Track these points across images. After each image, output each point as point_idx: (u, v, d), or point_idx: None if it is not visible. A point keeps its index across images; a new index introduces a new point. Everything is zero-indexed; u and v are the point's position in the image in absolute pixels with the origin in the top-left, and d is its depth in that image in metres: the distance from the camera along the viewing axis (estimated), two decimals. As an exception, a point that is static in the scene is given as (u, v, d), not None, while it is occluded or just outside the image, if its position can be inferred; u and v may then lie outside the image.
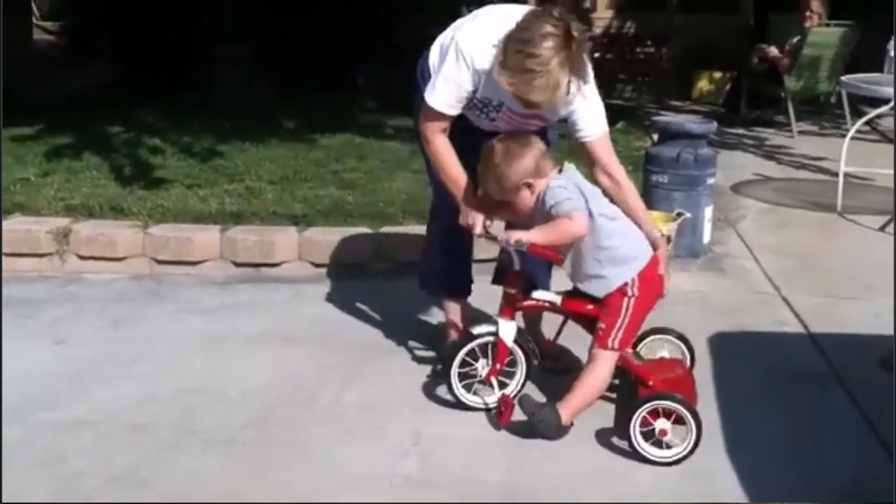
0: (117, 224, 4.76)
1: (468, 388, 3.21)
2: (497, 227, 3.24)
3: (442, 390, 3.31)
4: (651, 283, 3.04)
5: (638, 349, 3.28)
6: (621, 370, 3.12)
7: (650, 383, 3.04)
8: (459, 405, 3.21)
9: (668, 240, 4.66)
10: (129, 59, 10.13)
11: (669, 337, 3.38)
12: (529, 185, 2.98)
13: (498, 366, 3.15)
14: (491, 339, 3.15)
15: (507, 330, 3.13)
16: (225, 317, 4.10)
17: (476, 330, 3.21)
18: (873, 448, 3.06)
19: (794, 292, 4.39)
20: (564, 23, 2.79)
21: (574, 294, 3.14)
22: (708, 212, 4.92)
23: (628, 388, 3.12)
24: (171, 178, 5.48)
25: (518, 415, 3.07)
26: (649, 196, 4.91)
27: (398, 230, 4.77)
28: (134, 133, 6.65)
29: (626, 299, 3.00)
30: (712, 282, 4.59)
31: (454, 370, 3.18)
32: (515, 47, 2.81)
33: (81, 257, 4.63)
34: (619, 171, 3.14)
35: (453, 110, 3.11)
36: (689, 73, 10.14)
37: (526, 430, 3.03)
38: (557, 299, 3.15)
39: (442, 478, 2.85)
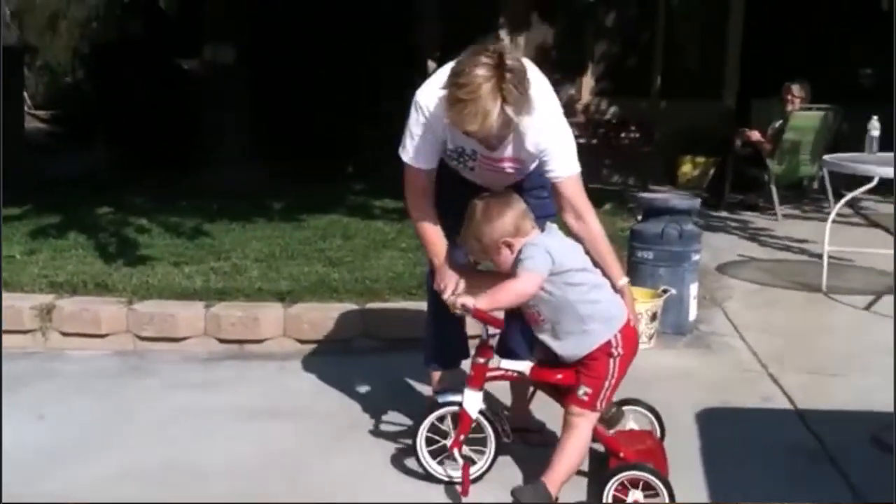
0: (101, 300, 4.73)
1: (439, 459, 3.18)
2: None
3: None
4: (631, 341, 3.02)
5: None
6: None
7: (621, 455, 3.01)
8: (428, 476, 3.17)
9: (654, 317, 4.70)
10: (121, 143, 10.26)
11: (638, 408, 3.35)
12: (508, 245, 2.97)
13: (462, 436, 3.09)
14: (455, 409, 3.11)
15: (472, 400, 3.07)
16: (208, 392, 4.05)
17: (441, 399, 3.18)
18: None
19: (781, 370, 4.36)
20: (498, 52, 2.81)
21: (546, 363, 3.10)
22: (693, 288, 4.92)
23: (599, 461, 3.08)
24: (156, 256, 5.46)
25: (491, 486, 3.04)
26: (634, 272, 4.93)
27: (384, 306, 4.76)
28: (121, 214, 6.66)
29: (612, 360, 2.96)
30: (699, 359, 4.57)
31: (420, 439, 3.15)
32: (449, 81, 2.86)
33: (65, 334, 4.60)
34: (588, 213, 3.09)
35: (425, 164, 3.15)
36: (674, 157, 10.28)
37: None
38: (526, 368, 3.11)
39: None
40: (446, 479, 3.17)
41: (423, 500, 3.09)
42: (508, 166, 3.17)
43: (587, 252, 3.08)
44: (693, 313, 4.96)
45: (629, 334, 3.00)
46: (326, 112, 9.40)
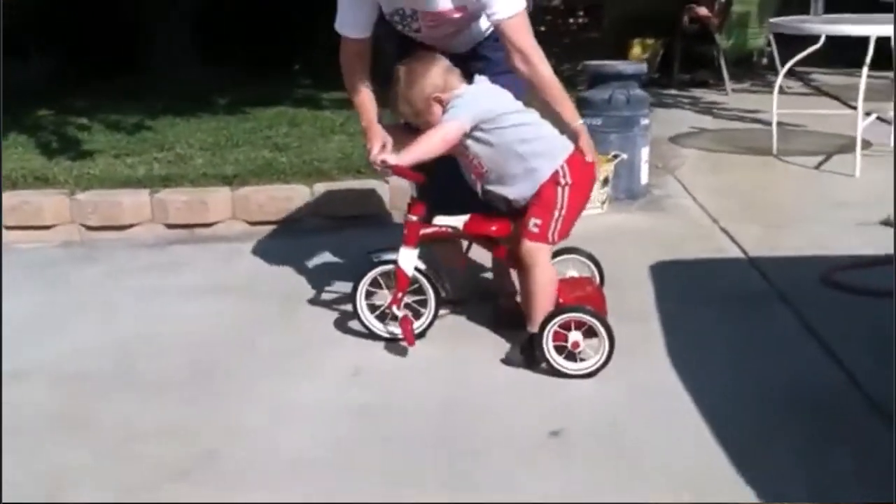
0: (42, 193, 4.61)
1: (382, 318, 3.17)
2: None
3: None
4: (583, 171, 2.99)
5: None
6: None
7: (560, 300, 3.01)
8: (371, 334, 3.19)
9: (606, 181, 4.69)
10: (58, 52, 9.92)
11: (577, 256, 3.36)
12: (439, 100, 2.92)
13: (399, 294, 3.08)
14: (390, 267, 3.10)
15: (407, 258, 3.05)
16: (159, 274, 3.99)
17: (377, 258, 3.16)
18: (816, 352, 3.05)
19: (732, 224, 4.38)
20: None
21: (480, 216, 3.08)
22: (644, 153, 4.90)
23: None
24: (98, 150, 5.32)
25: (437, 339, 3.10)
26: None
27: (333, 185, 4.69)
28: (61, 115, 6.46)
29: (560, 188, 2.94)
30: (651, 219, 4.58)
31: (360, 299, 3.15)
32: None
33: (9, 227, 4.47)
34: (535, 55, 2.94)
35: (353, 32, 3.11)
36: (623, 41, 10.15)
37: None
38: (459, 223, 3.09)
39: (383, 403, 2.79)
40: (389, 335, 3.16)
41: (365, 358, 3.09)
42: (451, 16, 3.05)
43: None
44: (645, 177, 4.95)
45: (577, 163, 2.97)
46: (271, 7, 9.14)
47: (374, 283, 3.17)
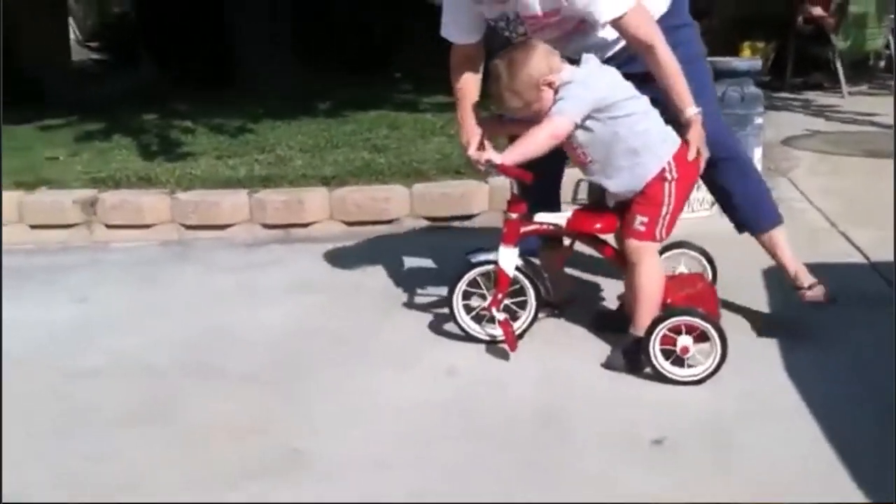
0: (144, 192, 4.64)
1: (479, 320, 3.04)
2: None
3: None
4: (688, 166, 2.82)
5: None
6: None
7: (668, 301, 2.84)
8: (469, 338, 3.05)
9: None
10: (165, 62, 10.14)
11: (689, 251, 3.20)
12: (549, 83, 2.76)
13: (499, 295, 2.94)
14: (490, 267, 2.96)
15: (507, 258, 2.91)
16: (252, 273, 3.95)
17: (475, 258, 3.01)
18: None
19: (851, 227, 4.14)
20: None
21: (584, 212, 2.95)
22: (758, 153, 4.67)
23: None
24: (200, 152, 5.35)
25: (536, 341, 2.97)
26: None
27: (431, 186, 4.60)
28: (165, 119, 6.55)
29: (667, 184, 2.78)
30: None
31: (457, 300, 3.02)
32: None
33: (109, 226, 4.52)
34: (655, 40, 2.77)
35: (459, 37, 3.07)
36: (733, 44, 9.85)
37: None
38: (562, 220, 2.94)
39: (476, 404, 2.67)
40: (487, 338, 3.04)
41: (461, 359, 2.96)
42: (549, 21, 2.90)
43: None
44: (757, 179, 4.71)
45: (683, 156, 2.80)
46: (368, 13, 9.16)
47: (473, 283, 3.05)
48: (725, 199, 3.19)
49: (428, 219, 4.51)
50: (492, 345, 3.03)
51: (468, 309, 3.05)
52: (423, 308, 3.42)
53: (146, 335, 3.23)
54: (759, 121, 4.68)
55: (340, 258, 4.07)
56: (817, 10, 8.29)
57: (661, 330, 2.71)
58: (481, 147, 2.91)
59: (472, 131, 2.99)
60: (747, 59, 4.99)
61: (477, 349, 3.03)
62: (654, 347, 2.72)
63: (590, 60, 2.83)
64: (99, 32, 16.98)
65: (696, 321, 2.71)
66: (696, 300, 2.86)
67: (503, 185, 4.45)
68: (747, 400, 2.63)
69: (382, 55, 9.38)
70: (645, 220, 2.78)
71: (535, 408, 2.63)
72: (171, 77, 9.83)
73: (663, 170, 2.77)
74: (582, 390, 2.74)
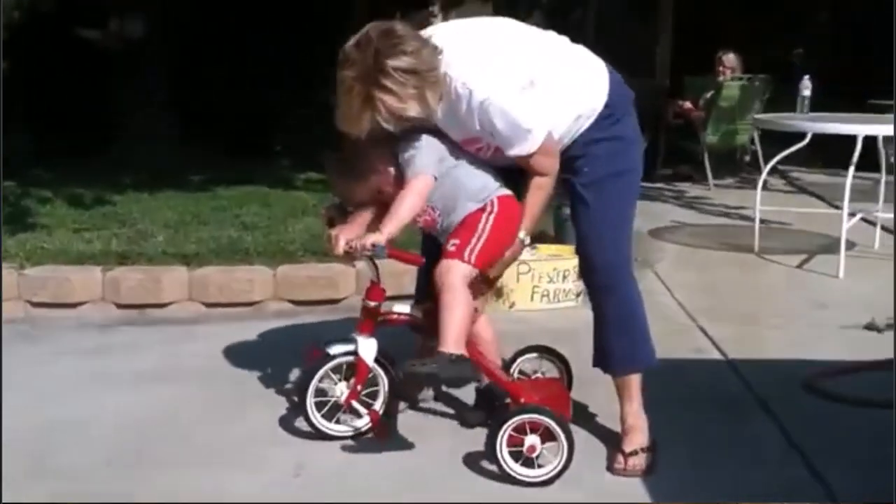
0: (-11, 266, 4.39)
1: (331, 416, 2.92)
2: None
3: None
4: (511, 205, 2.82)
5: (513, 369, 3.10)
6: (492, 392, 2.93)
7: (521, 400, 2.80)
8: (321, 435, 2.92)
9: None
10: (40, 127, 9.82)
11: (546, 356, 3.18)
12: (382, 161, 2.79)
13: (358, 387, 2.86)
14: (349, 359, 2.87)
15: (367, 348, 2.85)
16: (102, 357, 3.76)
17: (332, 350, 2.90)
18: (798, 467, 2.83)
19: (711, 323, 4.20)
20: (377, 38, 2.59)
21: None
22: (622, 247, 4.72)
23: (500, 409, 2.87)
24: (55, 224, 5.13)
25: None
26: (561, 232, 4.76)
27: (297, 268, 4.49)
28: (24, 187, 6.28)
29: (484, 215, 2.78)
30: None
31: (309, 399, 2.89)
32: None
33: (-51, 302, 4.25)
34: (549, 173, 2.80)
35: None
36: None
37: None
38: (419, 311, 2.90)
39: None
40: (343, 434, 2.93)
41: (311, 454, 2.85)
42: (473, 148, 2.83)
43: None
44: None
45: (506, 198, 2.82)
46: (249, 88, 9.06)
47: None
48: (596, 324, 3.01)
49: (293, 302, 4.40)
50: (341, 440, 2.92)
51: (320, 405, 2.92)
52: (279, 398, 3.29)
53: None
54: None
55: (196, 343, 3.91)
56: (687, 105, 8.58)
57: (508, 428, 2.65)
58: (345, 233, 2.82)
59: (337, 228, 2.88)
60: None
61: (327, 445, 2.91)
62: (502, 448, 2.65)
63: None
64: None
65: (541, 418, 2.66)
66: (549, 402, 2.81)
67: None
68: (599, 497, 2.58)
69: (264, 129, 9.29)
70: (457, 242, 2.76)
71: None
72: (42, 140, 9.53)
73: (485, 204, 2.79)
74: (434, 488, 2.65)
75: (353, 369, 2.87)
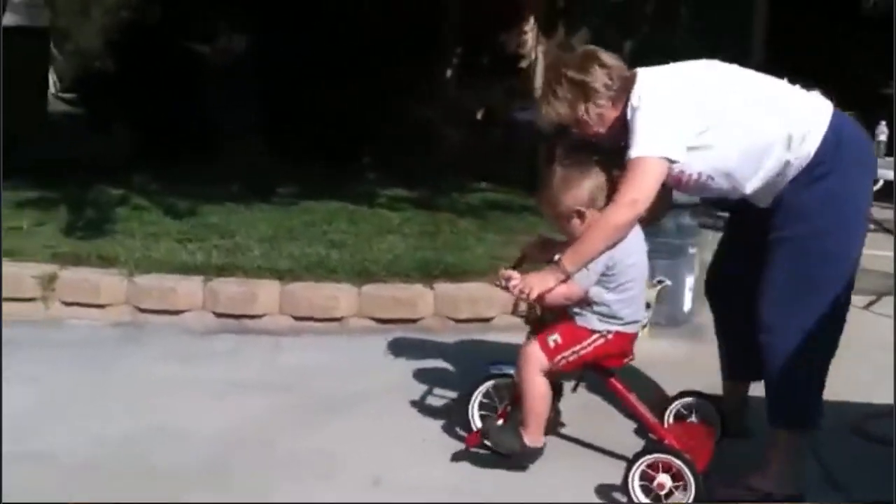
0: (103, 272, 4.80)
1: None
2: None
3: (406, 436, 3.35)
4: (624, 346, 3.07)
5: (670, 408, 3.37)
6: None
7: (665, 441, 3.01)
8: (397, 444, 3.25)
9: (648, 306, 4.71)
10: (136, 127, 10.35)
11: (702, 400, 3.39)
12: (580, 214, 2.99)
13: (509, 408, 3.13)
14: (508, 380, 3.17)
15: None
16: (202, 363, 4.12)
17: (494, 369, 3.23)
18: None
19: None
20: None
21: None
22: (689, 281, 4.93)
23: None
24: (161, 233, 5.53)
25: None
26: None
27: (380, 288, 4.80)
28: (130, 192, 6.74)
29: (597, 336, 3.00)
30: (690, 348, 4.58)
31: (472, 406, 3.25)
32: None
33: (66, 303, 4.67)
34: (618, 198, 2.91)
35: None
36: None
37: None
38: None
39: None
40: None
41: (409, 471, 3.13)
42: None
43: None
44: (688, 304, 4.97)
45: (622, 342, 3.05)
46: (341, 102, 9.44)
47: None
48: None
49: (374, 319, 4.70)
50: (426, 457, 3.21)
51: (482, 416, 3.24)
52: (361, 412, 3.60)
53: (89, 427, 3.37)
54: (692, 250, 4.96)
55: (286, 354, 4.26)
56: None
57: (643, 464, 2.88)
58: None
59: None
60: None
61: (404, 458, 3.20)
62: (634, 480, 2.88)
63: None
64: (76, 85, 17.22)
65: (673, 460, 2.86)
66: (688, 447, 2.99)
67: (446, 293, 4.72)
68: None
69: (354, 139, 9.65)
70: (560, 340, 3.00)
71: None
72: (141, 144, 10.05)
73: (605, 332, 3.01)
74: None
75: (510, 390, 3.17)
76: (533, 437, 3.02)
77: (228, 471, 3.09)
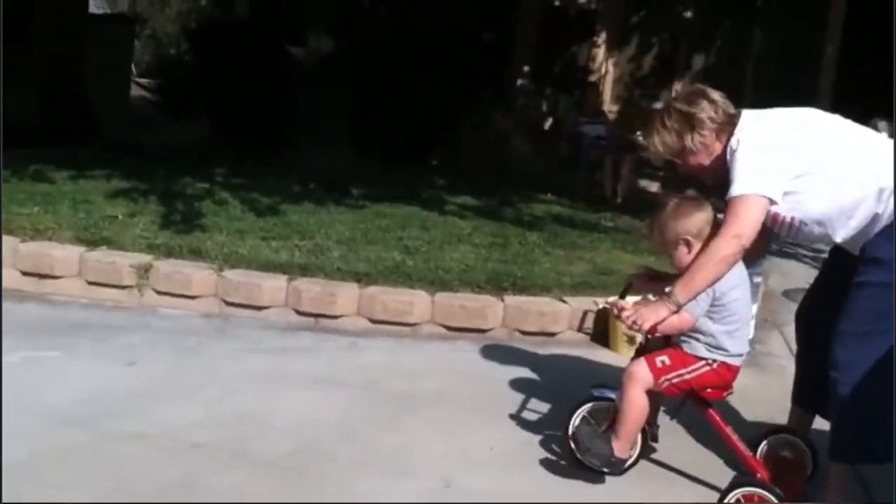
0: (195, 265, 5.10)
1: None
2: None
3: (477, 442, 3.58)
4: (726, 377, 3.22)
5: (763, 444, 3.50)
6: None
7: (758, 475, 3.18)
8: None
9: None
10: (220, 120, 10.72)
11: (793, 437, 3.52)
12: (688, 243, 3.16)
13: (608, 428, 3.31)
14: (607, 403, 3.36)
15: None
16: (284, 358, 4.39)
17: (596, 392, 3.42)
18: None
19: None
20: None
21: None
22: (752, 309, 5.08)
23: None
24: (247, 230, 5.84)
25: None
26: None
27: (452, 297, 5.04)
28: (214, 186, 7.07)
29: (704, 364, 3.18)
30: (751, 377, 4.70)
31: (573, 423, 3.41)
32: None
33: (158, 292, 4.98)
34: (724, 231, 3.06)
35: None
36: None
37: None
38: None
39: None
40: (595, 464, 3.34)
41: (477, 476, 3.36)
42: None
43: None
44: (751, 332, 5.11)
45: (725, 373, 3.22)
46: (418, 109, 9.72)
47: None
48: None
49: (445, 327, 4.94)
50: (495, 464, 3.44)
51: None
52: (433, 416, 3.83)
53: (186, 411, 3.66)
54: (757, 279, 5.10)
55: (362, 354, 4.51)
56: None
57: (736, 494, 3.08)
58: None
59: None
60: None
61: (474, 463, 3.43)
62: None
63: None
64: (154, 71, 17.73)
65: (763, 493, 3.06)
66: (777, 481, 3.18)
67: (515, 305, 4.94)
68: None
69: (427, 144, 9.94)
70: (668, 362, 3.19)
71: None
72: (220, 135, 10.42)
73: (711, 361, 3.19)
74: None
75: (609, 414, 3.35)
76: (622, 447, 3.23)
77: (313, 462, 3.34)
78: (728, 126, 3.21)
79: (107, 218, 5.76)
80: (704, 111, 3.21)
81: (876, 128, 6.24)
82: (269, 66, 9.50)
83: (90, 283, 4.99)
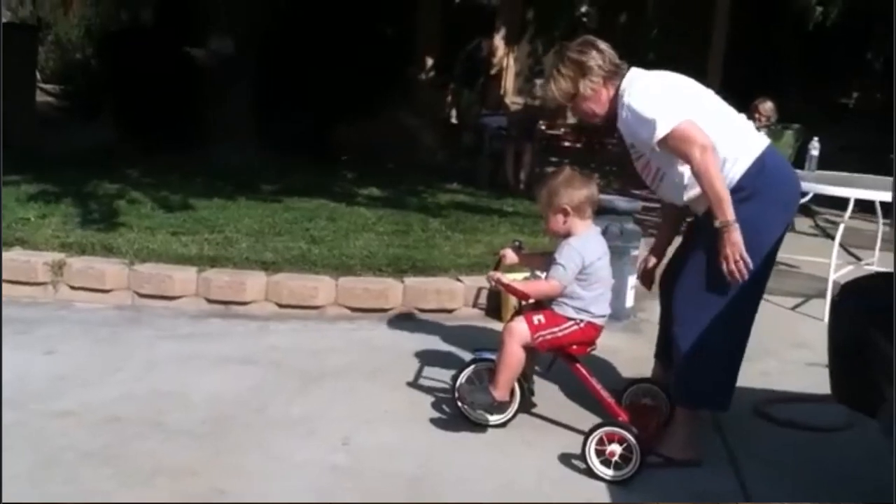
0: (107, 261, 5.34)
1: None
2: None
3: (374, 406, 3.94)
4: (590, 335, 3.63)
5: (628, 392, 3.93)
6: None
7: (619, 418, 3.55)
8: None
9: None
10: (126, 123, 10.82)
11: (654, 387, 3.94)
12: (565, 212, 3.55)
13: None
14: (488, 364, 3.73)
15: None
16: (196, 342, 4.68)
17: (476, 355, 3.82)
18: (726, 472, 3.63)
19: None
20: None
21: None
22: (631, 280, 5.53)
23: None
24: (157, 226, 6.09)
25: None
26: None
27: (355, 280, 5.37)
28: (125, 186, 7.28)
29: (573, 323, 3.58)
30: (627, 340, 5.17)
31: (458, 384, 3.76)
32: None
33: (73, 288, 5.22)
34: (693, 155, 3.32)
35: None
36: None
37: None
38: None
39: (363, 468, 3.41)
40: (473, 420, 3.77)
41: (375, 434, 3.72)
42: (633, 152, 3.63)
43: None
44: (630, 301, 5.57)
45: (591, 332, 3.62)
46: (323, 105, 10.00)
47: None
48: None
49: (349, 308, 5.27)
50: (392, 422, 3.80)
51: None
52: (335, 387, 4.18)
53: (106, 390, 3.95)
54: (634, 253, 5.56)
55: (270, 336, 4.83)
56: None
57: (599, 434, 3.43)
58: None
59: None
60: (627, 199, 5.87)
61: (370, 423, 3.79)
62: (591, 447, 3.43)
63: (596, 231, 3.65)
64: (59, 77, 17.61)
65: (622, 432, 3.40)
66: (636, 423, 3.53)
67: (414, 286, 5.30)
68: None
69: (332, 141, 10.22)
70: (543, 321, 3.58)
71: (409, 479, 3.37)
72: (128, 138, 10.54)
73: (579, 321, 3.59)
74: (461, 462, 3.49)
75: (489, 373, 3.71)
76: (501, 393, 3.60)
77: (227, 429, 3.66)
78: (615, 76, 3.58)
79: (20, 220, 5.94)
80: (594, 59, 3.57)
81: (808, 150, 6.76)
82: (175, 68, 9.67)
83: (6, 282, 5.19)
